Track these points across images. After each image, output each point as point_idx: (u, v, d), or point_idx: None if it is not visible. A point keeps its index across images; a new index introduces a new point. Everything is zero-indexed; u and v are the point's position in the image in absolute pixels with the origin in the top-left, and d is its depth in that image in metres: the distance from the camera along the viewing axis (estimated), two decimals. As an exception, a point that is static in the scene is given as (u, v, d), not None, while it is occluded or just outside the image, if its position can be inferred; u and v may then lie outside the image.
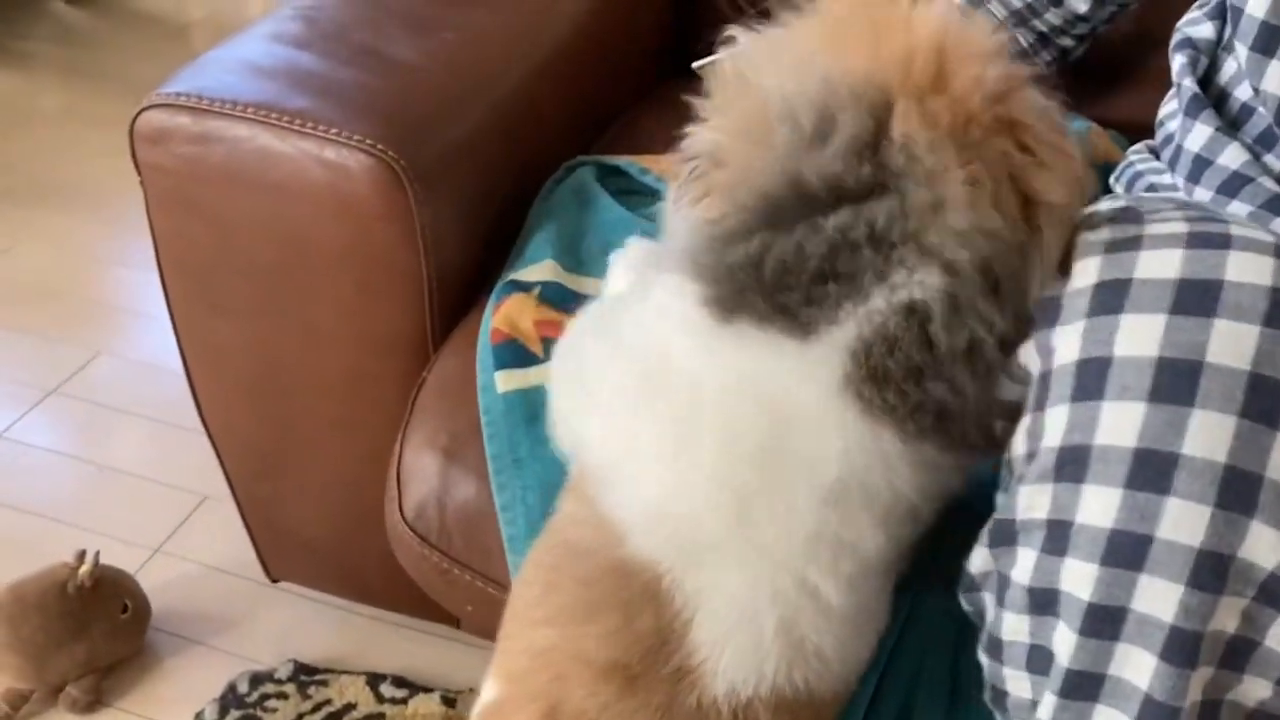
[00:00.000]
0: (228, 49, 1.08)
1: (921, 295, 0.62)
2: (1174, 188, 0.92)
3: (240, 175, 0.98)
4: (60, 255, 1.98)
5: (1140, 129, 1.07)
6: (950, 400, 0.64)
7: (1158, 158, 0.97)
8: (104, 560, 1.28)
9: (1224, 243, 0.59)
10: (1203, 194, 0.87)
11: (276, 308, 1.05)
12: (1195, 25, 0.96)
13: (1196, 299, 0.58)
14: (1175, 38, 0.97)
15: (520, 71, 1.13)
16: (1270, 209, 0.83)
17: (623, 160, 1.15)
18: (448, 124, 1.03)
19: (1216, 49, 0.94)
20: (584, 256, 1.03)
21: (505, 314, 0.97)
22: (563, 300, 0.98)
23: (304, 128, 0.96)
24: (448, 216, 1.00)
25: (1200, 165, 0.88)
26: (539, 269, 1.01)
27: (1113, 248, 0.62)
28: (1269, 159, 0.86)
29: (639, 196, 1.10)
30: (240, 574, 1.41)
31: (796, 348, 0.64)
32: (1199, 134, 0.89)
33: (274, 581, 1.35)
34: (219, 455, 1.21)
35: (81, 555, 1.26)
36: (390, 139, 0.96)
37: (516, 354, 0.94)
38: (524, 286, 0.99)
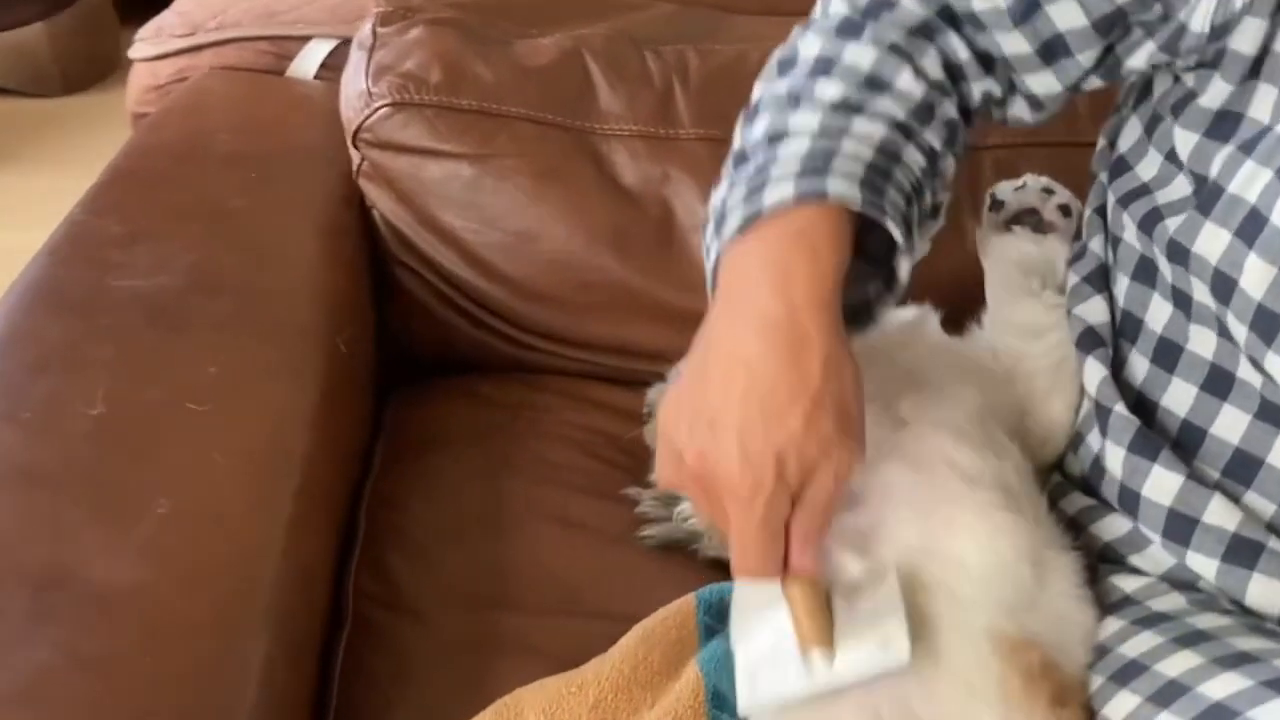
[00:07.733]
0: None
1: None
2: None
3: None
4: None
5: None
6: None
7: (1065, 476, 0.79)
8: None
9: None
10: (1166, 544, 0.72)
11: None
12: (1085, 303, 0.78)
13: None
14: (1076, 327, 0.78)
15: (276, 532, 0.83)
16: (1239, 562, 0.70)
17: None
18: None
19: (1115, 335, 0.77)
20: None
21: None
22: None
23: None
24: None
25: (1155, 509, 0.72)
26: None
27: None
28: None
29: None
30: None
31: None
32: (1158, 479, 0.71)
33: None
34: None
35: None
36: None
37: None
38: None
